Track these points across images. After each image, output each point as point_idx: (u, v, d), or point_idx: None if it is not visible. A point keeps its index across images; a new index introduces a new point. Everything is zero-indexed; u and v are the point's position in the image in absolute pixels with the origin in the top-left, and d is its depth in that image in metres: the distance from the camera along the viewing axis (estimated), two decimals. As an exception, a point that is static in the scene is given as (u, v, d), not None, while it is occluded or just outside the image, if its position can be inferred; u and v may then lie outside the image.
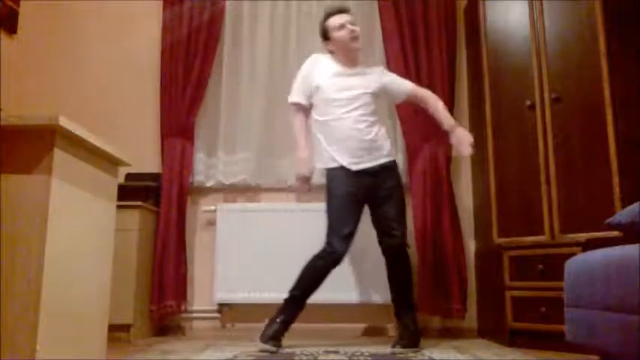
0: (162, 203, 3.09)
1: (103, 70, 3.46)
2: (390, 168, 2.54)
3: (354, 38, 2.56)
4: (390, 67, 3.18)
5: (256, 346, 2.37)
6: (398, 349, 2.37)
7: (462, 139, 2.50)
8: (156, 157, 3.25)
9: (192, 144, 3.23)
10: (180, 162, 3.15)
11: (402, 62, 3.16)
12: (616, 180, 2.34)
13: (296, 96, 2.60)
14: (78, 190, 1.63)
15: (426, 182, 3.05)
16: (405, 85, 2.70)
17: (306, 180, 2.57)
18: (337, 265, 2.43)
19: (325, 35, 2.63)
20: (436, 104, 2.66)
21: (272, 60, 3.34)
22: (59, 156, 1.51)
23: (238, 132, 3.27)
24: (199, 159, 3.28)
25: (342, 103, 2.50)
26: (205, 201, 3.28)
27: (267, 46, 3.34)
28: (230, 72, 3.34)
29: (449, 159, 3.13)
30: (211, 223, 3.19)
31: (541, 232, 2.54)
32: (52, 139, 1.49)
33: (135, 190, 2.94)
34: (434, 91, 3.14)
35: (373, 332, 3.05)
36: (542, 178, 2.57)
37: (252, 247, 3.05)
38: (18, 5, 3.41)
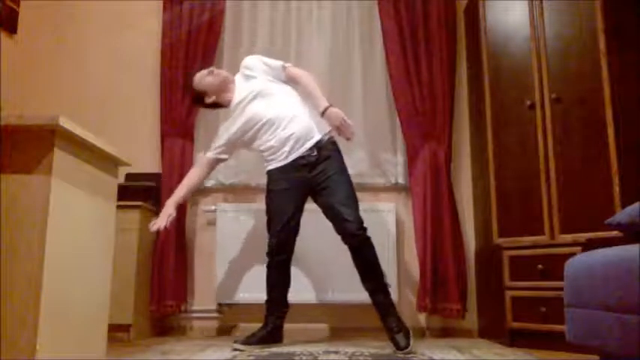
0: (162, 203, 3.08)
1: (103, 70, 3.46)
2: None
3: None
4: (390, 67, 3.19)
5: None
6: (401, 353, 2.34)
7: (334, 120, 2.41)
8: (156, 157, 3.25)
9: (192, 144, 3.23)
10: (180, 162, 3.15)
11: (402, 62, 3.16)
12: (616, 180, 2.34)
13: None
14: (78, 190, 1.63)
15: (426, 182, 3.05)
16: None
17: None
18: None
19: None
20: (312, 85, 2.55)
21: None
22: (59, 156, 1.51)
23: (238, 132, 3.27)
24: (199, 159, 3.28)
25: None
26: (205, 201, 3.28)
27: (267, 46, 3.34)
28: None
29: (449, 159, 3.13)
30: (211, 223, 3.19)
31: (541, 232, 2.54)
32: (52, 139, 1.48)
33: (135, 190, 2.95)
34: (434, 91, 3.15)
35: (374, 332, 3.05)
36: (542, 178, 2.57)
37: (252, 247, 3.05)
38: (18, 5, 3.41)
